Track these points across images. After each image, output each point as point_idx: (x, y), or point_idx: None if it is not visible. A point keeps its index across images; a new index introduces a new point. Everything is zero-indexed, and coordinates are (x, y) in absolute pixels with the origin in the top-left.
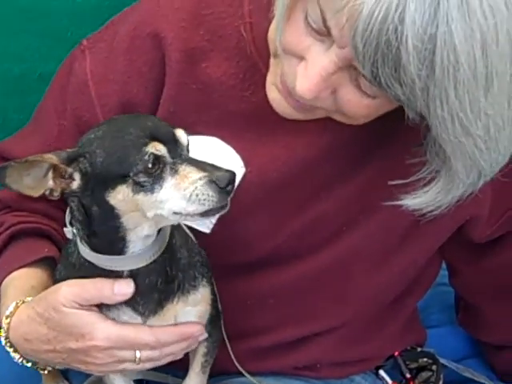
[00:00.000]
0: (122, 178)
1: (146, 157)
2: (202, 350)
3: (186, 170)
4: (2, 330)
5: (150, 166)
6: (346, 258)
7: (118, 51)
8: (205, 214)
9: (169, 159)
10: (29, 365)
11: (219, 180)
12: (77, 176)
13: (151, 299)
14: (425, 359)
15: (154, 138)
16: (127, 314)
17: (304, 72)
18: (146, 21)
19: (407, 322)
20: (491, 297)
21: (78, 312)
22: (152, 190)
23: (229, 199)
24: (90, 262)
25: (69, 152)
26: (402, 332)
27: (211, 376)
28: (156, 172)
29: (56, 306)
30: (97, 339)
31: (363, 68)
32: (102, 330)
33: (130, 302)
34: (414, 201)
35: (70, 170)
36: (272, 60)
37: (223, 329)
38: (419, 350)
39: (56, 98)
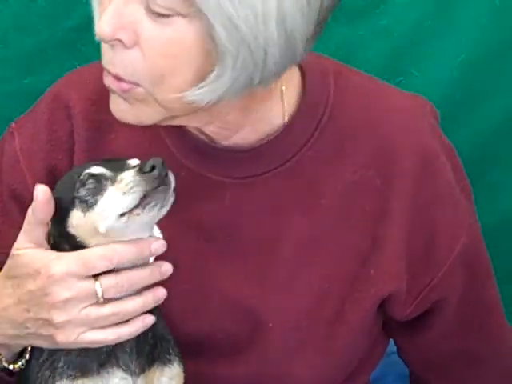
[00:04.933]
0: (71, 203)
1: (82, 176)
2: None
3: (122, 175)
4: None
5: (87, 183)
6: (278, 349)
7: (40, 123)
8: (144, 205)
9: (108, 173)
10: None
11: (143, 167)
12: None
13: (143, 353)
14: None
15: (95, 164)
16: (118, 376)
17: (102, 14)
18: (60, 93)
19: None
20: (437, 372)
21: (31, 251)
22: (96, 202)
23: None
24: None
25: None
26: None
27: None
28: (95, 186)
29: (15, 254)
30: (52, 269)
31: None
32: (55, 261)
33: (123, 359)
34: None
35: None
36: None
37: None
38: None
39: None
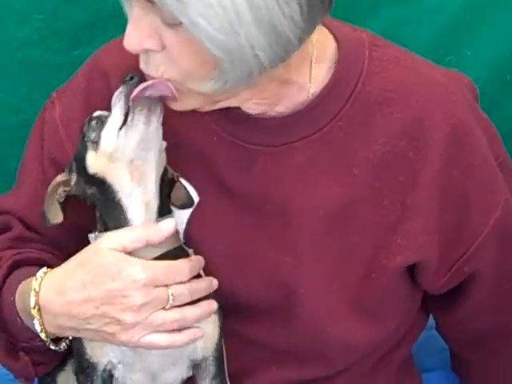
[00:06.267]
0: (84, 148)
1: (85, 121)
2: None
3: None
4: (31, 293)
5: (90, 124)
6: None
7: (78, 92)
8: (137, 113)
9: (107, 113)
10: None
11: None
12: (73, 176)
13: None
14: None
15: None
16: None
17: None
18: (99, 61)
19: (399, 371)
20: (473, 348)
21: (115, 252)
22: (100, 136)
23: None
24: None
25: (68, 165)
26: (395, 382)
27: None
28: (97, 124)
29: (99, 248)
30: (134, 273)
31: None
32: (137, 265)
33: None
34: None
35: (71, 177)
36: None
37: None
38: None
39: (35, 149)
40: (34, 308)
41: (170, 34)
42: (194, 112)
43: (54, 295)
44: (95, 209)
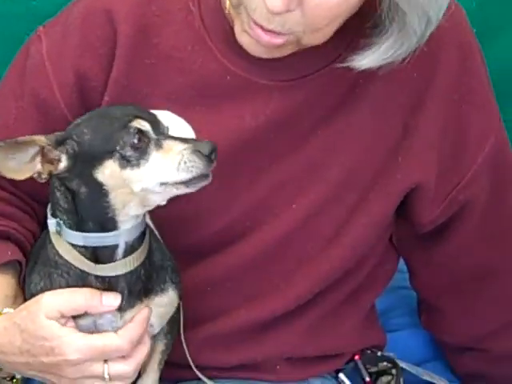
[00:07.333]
0: (109, 153)
1: (132, 130)
2: (161, 347)
3: (169, 144)
4: None
5: (135, 140)
6: (296, 231)
7: (72, 28)
8: (190, 183)
9: (153, 135)
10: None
11: (203, 148)
12: (63, 158)
13: (135, 292)
14: (385, 363)
15: (138, 116)
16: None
17: None
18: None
19: (365, 321)
20: (450, 295)
21: (50, 324)
22: (138, 165)
23: (212, 168)
24: (68, 263)
25: (57, 135)
26: (360, 330)
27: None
28: (141, 146)
29: (36, 316)
30: (66, 353)
31: None
32: (71, 343)
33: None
34: (366, 60)
35: (57, 152)
36: (234, 11)
37: (181, 321)
38: (379, 353)
39: (13, 82)
40: None
41: None
42: (205, 50)
43: None
44: (51, 192)
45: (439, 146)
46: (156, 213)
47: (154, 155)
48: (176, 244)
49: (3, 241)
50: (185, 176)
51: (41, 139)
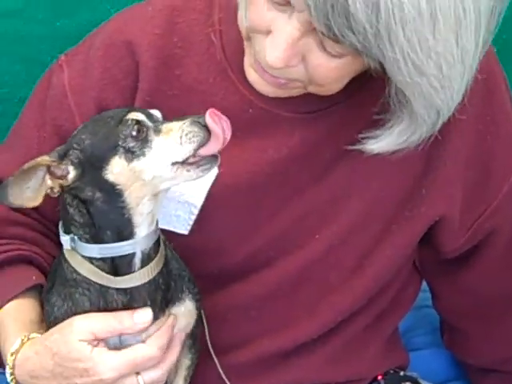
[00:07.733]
0: (113, 150)
1: (129, 122)
2: (186, 362)
3: (167, 126)
4: (7, 367)
5: (134, 131)
6: (319, 262)
7: (94, 59)
8: (199, 164)
9: (149, 123)
10: None
11: (200, 119)
12: (70, 168)
13: (157, 302)
14: (407, 383)
15: (131, 109)
16: None
17: (272, 43)
18: (120, 29)
19: (389, 343)
20: (473, 318)
21: (83, 345)
22: (143, 154)
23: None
24: (87, 279)
25: (58, 150)
26: (384, 353)
27: None
28: (142, 135)
29: (69, 338)
30: (101, 373)
31: (318, 22)
32: (105, 363)
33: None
34: (378, 144)
35: (63, 166)
36: (245, 43)
37: (209, 344)
38: (402, 373)
39: (35, 112)
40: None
41: (320, 57)
42: (227, 82)
43: (28, 377)
44: (62, 209)
45: (464, 176)
46: (179, 242)
47: (156, 140)
48: (197, 271)
49: (27, 265)
50: (189, 147)
51: (44, 159)
